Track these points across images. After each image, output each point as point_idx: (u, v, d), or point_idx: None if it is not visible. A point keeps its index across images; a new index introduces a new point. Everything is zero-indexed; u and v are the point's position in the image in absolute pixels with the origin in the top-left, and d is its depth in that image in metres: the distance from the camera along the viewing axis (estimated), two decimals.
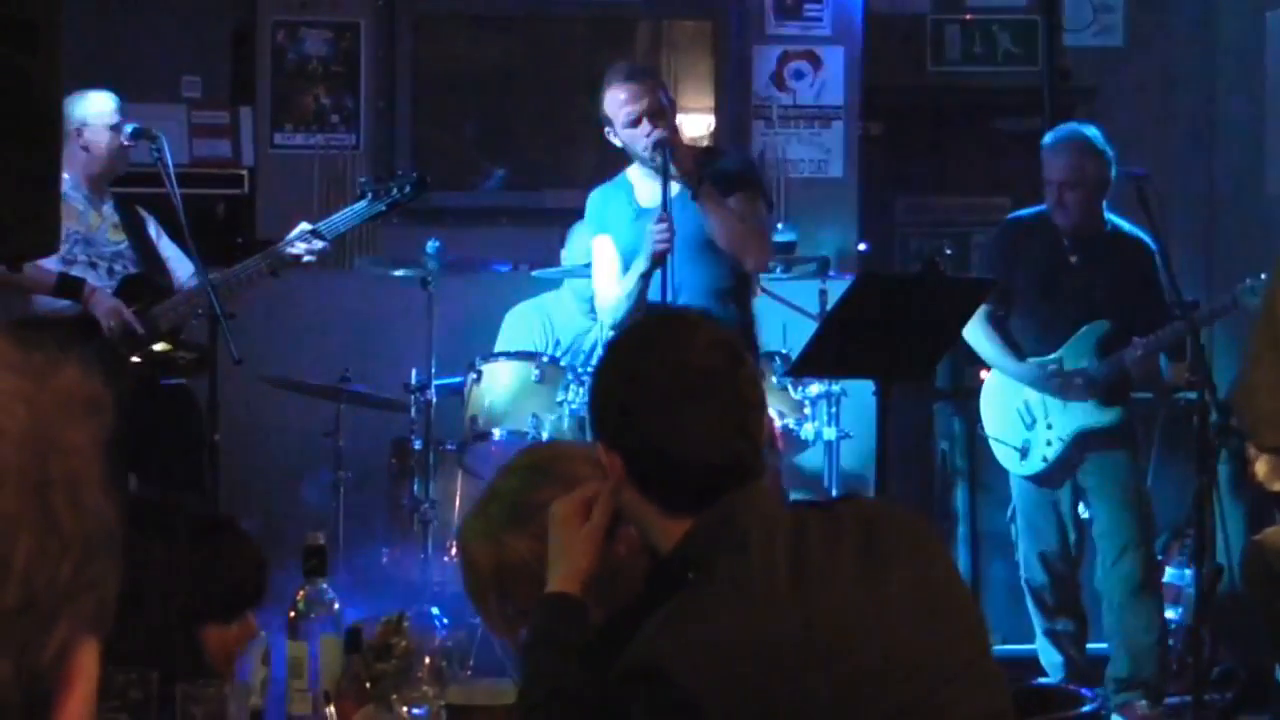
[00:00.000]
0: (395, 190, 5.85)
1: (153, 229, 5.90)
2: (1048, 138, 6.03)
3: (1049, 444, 5.94)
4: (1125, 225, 5.94)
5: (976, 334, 5.98)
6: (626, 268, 5.40)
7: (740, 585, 2.06)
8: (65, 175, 5.69)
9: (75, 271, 5.66)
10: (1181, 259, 6.05)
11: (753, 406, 2.22)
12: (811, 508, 2.25)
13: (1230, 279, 6.96)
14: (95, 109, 5.73)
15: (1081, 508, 6.09)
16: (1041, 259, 5.95)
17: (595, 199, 5.56)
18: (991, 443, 6.10)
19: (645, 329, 2.50)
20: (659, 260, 5.16)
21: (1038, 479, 6.01)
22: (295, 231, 5.78)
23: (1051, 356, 5.94)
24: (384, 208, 5.87)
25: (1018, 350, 5.99)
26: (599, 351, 5.83)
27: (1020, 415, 6.01)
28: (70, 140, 5.69)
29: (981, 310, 5.92)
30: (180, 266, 5.91)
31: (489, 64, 7.61)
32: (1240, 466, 5.95)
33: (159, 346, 5.70)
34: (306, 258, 5.78)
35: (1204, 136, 7.70)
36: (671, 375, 2.18)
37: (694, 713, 1.96)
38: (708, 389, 2.17)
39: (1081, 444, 5.93)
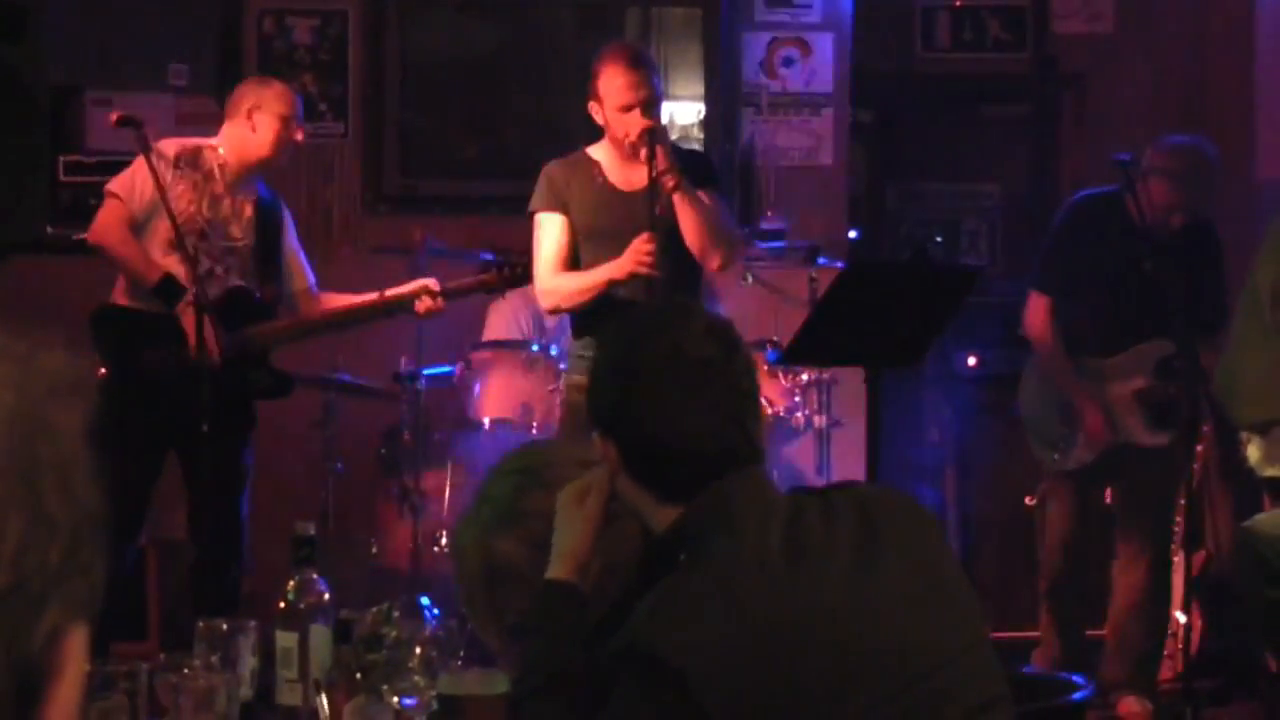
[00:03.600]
0: (508, 271, 5.69)
1: (288, 234, 5.76)
2: (1171, 151, 5.75)
3: (1087, 448, 5.83)
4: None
5: (1041, 329, 5.83)
6: (588, 244, 5.23)
7: (732, 566, 2.06)
8: (220, 151, 5.64)
9: (175, 263, 5.46)
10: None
11: (747, 395, 2.23)
12: (808, 493, 2.25)
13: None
14: (272, 95, 5.60)
15: (1108, 497, 6.04)
16: (1112, 254, 5.74)
17: (553, 172, 5.29)
18: (1028, 433, 6.01)
19: (641, 318, 2.51)
20: (633, 277, 5.05)
21: (1071, 476, 5.91)
22: (417, 285, 5.59)
23: (1107, 363, 5.80)
24: (497, 287, 5.71)
25: (1073, 347, 5.82)
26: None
27: (1061, 411, 5.87)
28: (240, 118, 5.62)
29: (1045, 301, 5.80)
30: (297, 277, 5.78)
31: (477, 51, 7.60)
32: (1229, 452, 5.95)
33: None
34: (421, 309, 5.64)
35: (1193, 122, 7.70)
36: (665, 364, 2.19)
37: (684, 693, 1.96)
38: (701, 378, 2.18)
39: (1120, 455, 5.82)
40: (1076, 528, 5.96)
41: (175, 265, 5.40)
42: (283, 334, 5.63)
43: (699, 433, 2.17)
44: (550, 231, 5.25)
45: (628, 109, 5.08)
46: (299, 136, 5.65)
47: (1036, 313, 5.84)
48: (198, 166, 5.51)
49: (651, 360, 2.20)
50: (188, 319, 5.31)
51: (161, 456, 5.49)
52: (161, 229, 5.41)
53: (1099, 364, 5.83)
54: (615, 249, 5.08)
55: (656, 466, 2.18)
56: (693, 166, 5.26)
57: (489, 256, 6.50)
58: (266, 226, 5.65)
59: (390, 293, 5.60)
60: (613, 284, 5.08)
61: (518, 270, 5.58)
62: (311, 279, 5.76)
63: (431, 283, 5.58)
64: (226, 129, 5.62)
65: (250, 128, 5.57)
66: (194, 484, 5.60)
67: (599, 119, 5.17)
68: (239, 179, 5.61)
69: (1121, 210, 5.72)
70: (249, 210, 5.63)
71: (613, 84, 5.10)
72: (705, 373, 2.18)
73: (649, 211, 5.00)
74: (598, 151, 5.28)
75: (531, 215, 5.29)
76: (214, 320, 5.27)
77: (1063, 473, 5.93)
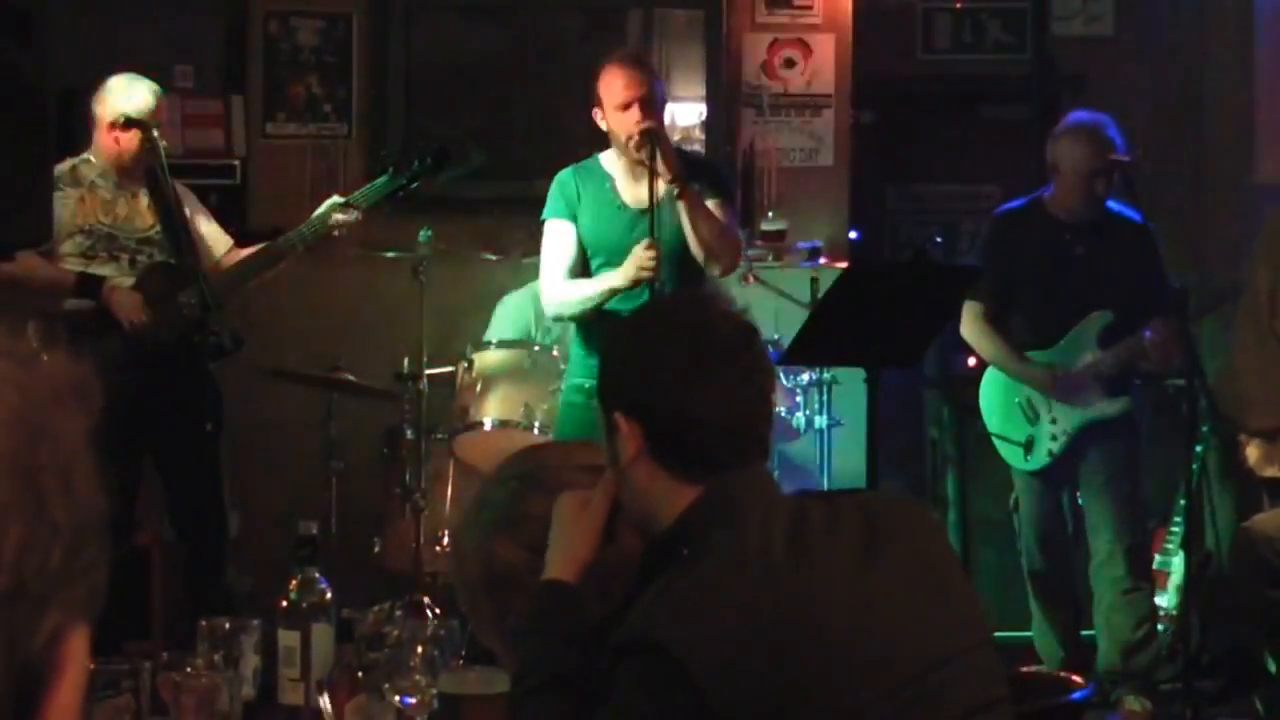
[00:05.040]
0: (417, 164, 5.81)
1: (189, 208, 5.85)
2: (1069, 127, 5.87)
3: (1054, 438, 5.88)
4: (1116, 207, 5.91)
5: (975, 334, 5.93)
6: (595, 259, 5.31)
7: (734, 560, 2.07)
8: (95, 162, 5.70)
9: (95, 267, 5.63)
10: (1169, 246, 6.05)
11: (767, 374, 2.26)
12: (813, 495, 2.27)
13: (1219, 266, 6.98)
14: (134, 102, 5.66)
15: (1079, 498, 6.08)
16: (1041, 252, 5.86)
17: (566, 180, 5.38)
18: (994, 440, 6.06)
19: (662, 304, 2.54)
20: (636, 285, 5.12)
21: (1043, 474, 5.96)
22: (326, 205, 5.74)
23: (1052, 351, 5.88)
24: (405, 181, 5.82)
25: (1018, 348, 5.92)
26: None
27: (1023, 410, 5.95)
28: (103, 129, 5.67)
29: (976, 309, 5.89)
30: (217, 244, 5.90)
31: (480, 53, 7.62)
32: (1229, 453, 5.96)
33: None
34: (338, 231, 5.75)
35: (1192, 124, 7.71)
36: (694, 340, 2.21)
37: (684, 685, 1.97)
38: (728, 354, 2.20)
39: (1087, 436, 5.87)
40: (1051, 527, 5.99)
41: (97, 268, 5.61)
42: (214, 291, 5.66)
43: (726, 404, 2.18)
44: (558, 239, 5.32)
45: (625, 107, 5.14)
46: (162, 128, 5.71)
47: (968, 318, 5.92)
48: (78, 182, 5.64)
49: (677, 336, 2.22)
50: (115, 297, 5.50)
51: (138, 458, 5.55)
52: (69, 245, 5.54)
53: (1047, 355, 5.90)
54: (621, 263, 5.14)
55: (682, 439, 2.18)
56: (703, 175, 5.31)
57: (493, 257, 6.52)
58: (165, 207, 5.72)
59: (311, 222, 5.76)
60: (615, 293, 5.13)
61: (411, 159, 5.80)
62: (227, 243, 5.87)
63: (337, 197, 5.75)
64: (95, 139, 5.72)
65: (114, 138, 5.66)
66: (173, 482, 5.72)
67: (601, 124, 5.23)
68: (121, 179, 5.73)
69: (1043, 213, 5.86)
70: (144, 201, 5.74)
71: (611, 85, 5.18)
72: (728, 349, 2.21)
73: (651, 215, 5.04)
74: (610, 163, 5.33)
75: (543, 223, 5.36)
76: (143, 300, 5.54)
77: (1031, 475, 5.97)
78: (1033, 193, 6.00)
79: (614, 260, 5.20)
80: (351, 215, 5.71)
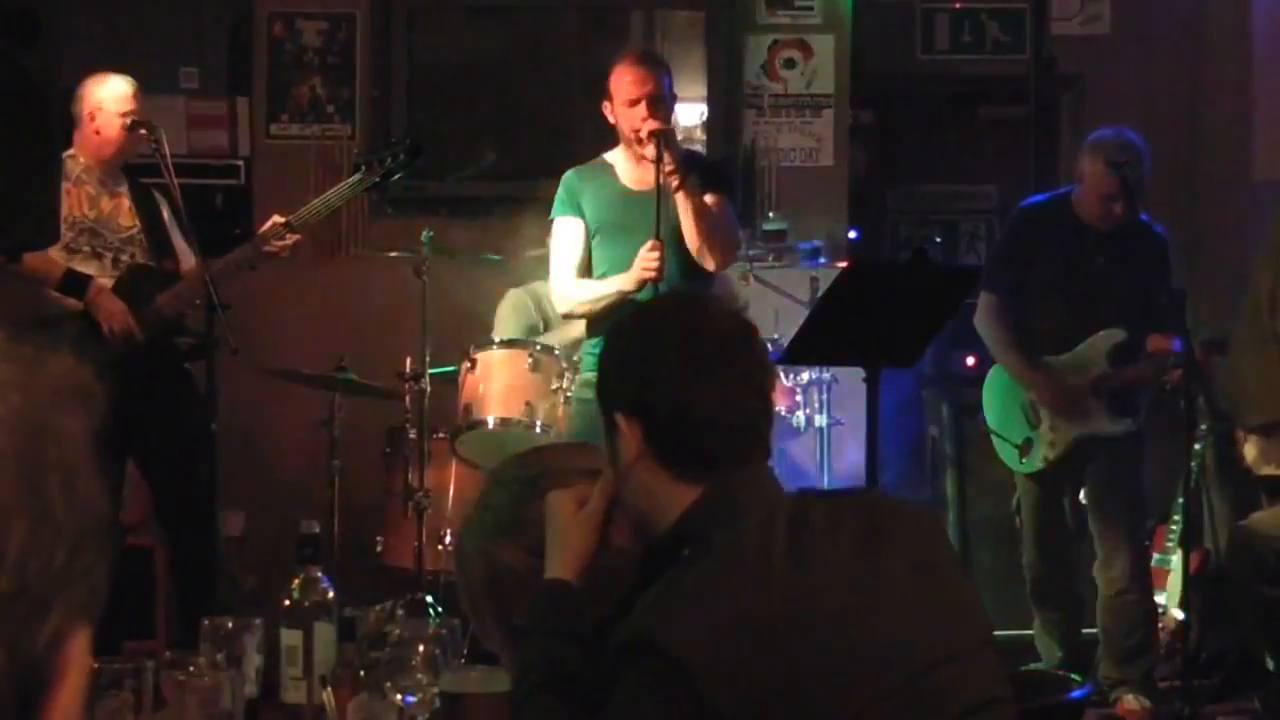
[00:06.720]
0: (389, 159, 5.86)
1: (166, 214, 5.91)
2: (1089, 143, 5.88)
3: (1052, 445, 5.89)
4: (1144, 218, 5.88)
5: (987, 328, 5.94)
6: (597, 238, 5.41)
7: (734, 559, 2.08)
8: (80, 159, 5.76)
9: (79, 262, 5.67)
10: (1168, 246, 6.06)
11: (767, 371, 2.27)
12: (815, 495, 2.28)
13: (1216, 266, 6.99)
14: (109, 93, 5.75)
15: (1082, 495, 6.09)
16: (1063, 254, 5.85)
17: (568, 179, 5.51)
18: (993, 437, 6.07)
19: (661, 303, 2.55)
20: (643, 285, 5.19)
21: (1038, 477, 5.98)
22: (267, 226, 5.79)
23: (1063, 359, 5.89)
24: (379, 179, 5.87)
25: (1030, 347, 5.92)
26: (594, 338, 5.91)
27: (1024, 412, 5.96)
28: (84, 124, 5.75)
29: (991, 300, 5.90)
30: (185, 258, 5.93)
31: (483, 54, 7.64)
32: (1227, 451, 5.97)
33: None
34: (281, 253, 5.79)
35: (1189, 123, 7.71)
36: (693, 339, 2.22)
37: (687, 684, 1.97)
38: (727, 353, 2.21)
39: (1086, 449, 5.89)
40: (1050, 530, 6.00)
41: (81, 264, 5.66)
42: (185, 294, 5.72)
43: (726, 403, 2.18)
44: (567, 237, 5.46)
45: (634, 103, 5.27)
46: (140, 118, 5.75)
47: (983, 310, 5.93)
48: (65, 176, 5.65)
49: (676, 334, 2.23)
50: (100, 301, 5.55)
51: (122, 460, 5.58)
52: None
53: (1056, 361, 5.89)
54: (624, 244, 5.30)
55: (683, 439, 2.18)
56: (707, 170, 5.39)
57: (495, 257, 6.53)
58: (146, 210, 5.83)
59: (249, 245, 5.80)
60: (625, 295, 5.22)
61: (384, 155, 5.86)
62: (191, 260, 5.87)
63: (278, 217, 5.79)
64: (76, 136, 5.79)
65: (94, 130, 5.75)
66: (157, 485, 5.74)
67: (611, 118, 5.33)
68: (104, 177, 5.81)
69: (1069, 212, 5.87)
70: (126, 200, 5.83)
71: (621, 80, 5.32)
72: (727, 348, 2.22)
73: (657, 215, 5.13)
74: (614, 155, 5.49)
75: (551, 223, 5.51)
76: (125, 302, 5.59)
77: (1031, 476, 5.98)
78: (1056, 189, 6.01)
79: (618, 240, 5.34)
80: (288, 239, 5.75)
